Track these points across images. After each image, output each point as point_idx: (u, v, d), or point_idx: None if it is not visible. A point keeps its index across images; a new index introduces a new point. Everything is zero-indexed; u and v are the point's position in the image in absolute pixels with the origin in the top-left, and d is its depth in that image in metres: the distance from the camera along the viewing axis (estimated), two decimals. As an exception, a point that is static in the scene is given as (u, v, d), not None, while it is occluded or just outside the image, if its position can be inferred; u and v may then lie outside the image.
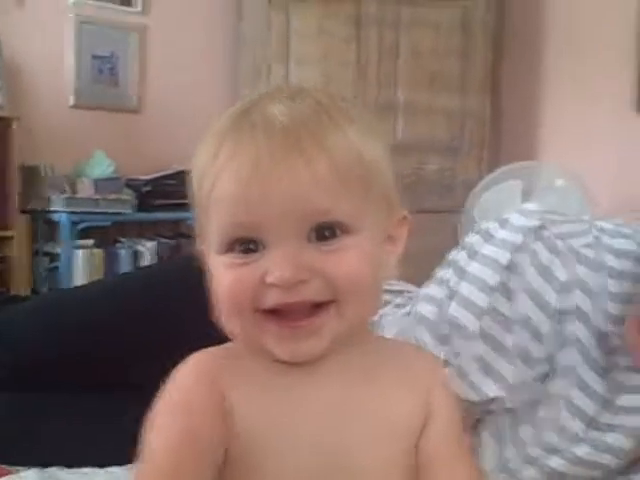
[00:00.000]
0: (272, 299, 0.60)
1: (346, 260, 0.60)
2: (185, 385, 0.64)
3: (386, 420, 0.66)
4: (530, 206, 1.02)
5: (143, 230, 3.43)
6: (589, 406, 0.92)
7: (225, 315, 0.63)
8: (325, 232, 0.60)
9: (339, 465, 0.64)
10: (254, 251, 0.60)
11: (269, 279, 0.59)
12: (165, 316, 1.35)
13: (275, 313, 0.61)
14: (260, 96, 0.65)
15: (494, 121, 3.46)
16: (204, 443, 0.61)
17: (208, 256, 0.65)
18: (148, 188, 3.25)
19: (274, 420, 0.63)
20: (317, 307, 0.61)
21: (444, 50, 3.41)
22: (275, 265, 0.59)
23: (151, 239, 3.31)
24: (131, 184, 3.26)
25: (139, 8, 3.56)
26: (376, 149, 0.64)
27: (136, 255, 3.19)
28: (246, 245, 0.61)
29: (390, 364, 0.69)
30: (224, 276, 0.61)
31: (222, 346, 0.68)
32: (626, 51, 3.28)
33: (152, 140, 3.56)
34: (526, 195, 2.82)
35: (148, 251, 3.18)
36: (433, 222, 2.93)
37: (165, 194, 3.27)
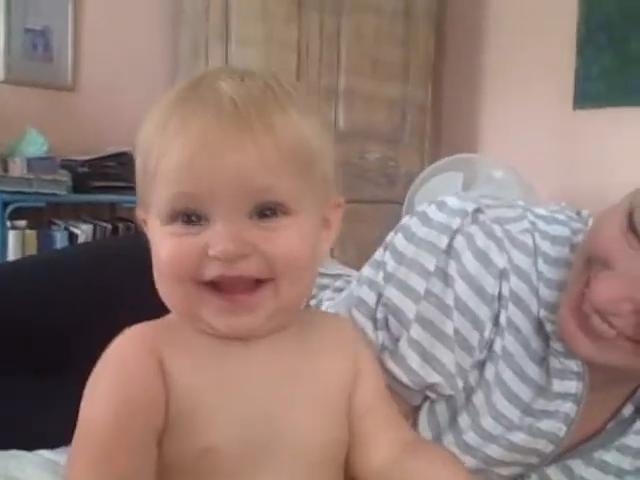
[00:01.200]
0: (213, 271, 0.62)
1: (285, 239, 0.63)
2: (123, 354, 0.65)
3: (319, 385, 0.71)
4: (469, 193, 1.02)
5: (79, 212, 3.34)
6: (525, 392, 0.94)
7: (165, 284, 0.65)
8: (266, 211, 0.63)
9: (274, 431, 0.67)
10: (197, 224, 0.62)
11: (211, 252, 0.61)
12: (105, 291, 1.31)
13: (215, 286, 0.63)
14: (209, 72, 0.67)
15: (435, 111, 3.49)
16: (143, 410, 0.63)
17: (151, 226, 0.66)
18: (85, 169, 3.15)
19: (211, 388, 0.65)
20: (255, 284, 0.64)
21: (386, 36, 3.41)
22: (218, 238, 0.61)
23: (87, 222, 3.22)
24: (67, 165, 3.16)
25: (74, -21, 3.44)
26: (319, 134, 0.67)
27: (71, 237, 3.10)
28: (189, 217, 0.62)
29: (319, 333, 0.74)
30: (166, 245, 0.63)
31: (159, 319, 0.70)
32: (566, 47, 3.36)
33: (88, 119, 3.45)
34: (466, 187, 2.86)
35: (84, 234, 3.10)
36: (375, 212, 2.95)
37: (103, 176, 3.18)
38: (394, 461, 0.72)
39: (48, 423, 1.16)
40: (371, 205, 3.05)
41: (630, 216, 0.82)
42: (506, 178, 2.89)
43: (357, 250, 2.59)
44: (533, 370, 0.93)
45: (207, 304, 0.64)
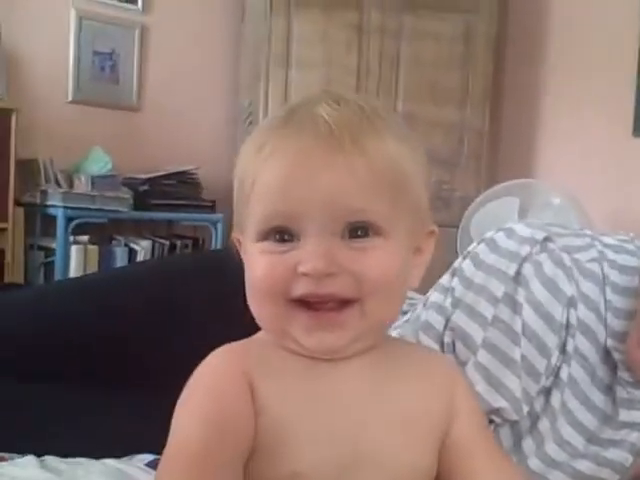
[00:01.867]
0: (302, 289, 0.62)
1: (375, 260, 0.63)
2: (215, 374, 0.66)
3: (409, 415, 0.69)
4: (537, 221, 1.02)
5: (139, 229, 3.42)
6: (590, 421, 0.93)
7: (256, 300, 0.66)
8: (358, 231, 0.63)
9: (361, 454, 0.66)
10: (289, 241, 0.63)
11: (301, 269, 0.62)
12: (174, 306, 1.34)
13: (304, 304, 0.63)
14: (308, 98, 0.68)
15: (492, 136, 3.47)
16: (234, 432, 0.63)
17: (245, 245, 0.68)
18: (145, 187, 3.24)
19: (299, 412, 0.65)
20: (342, 304, 0.63)
21: (445, 61, 3.42)
22: (309, 256, 0.62)
23: (146, 238, 3.30)
24: (128, 182, 3.25)
25: (140, 6, 3.56)
26: (412, 159, 0.67)
27: (131, 253, 3.18)
28: (282, 234, 0.63)
29: (411, 363, 0.72)
30: (258, 262, 0.64)
31: (251, 338, 0.71)
32: (627, 72, 3.31)
33: (150, 139, 3.56)
34: (523, 212, 2.84)
35: (143, 250, 3.17)
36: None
37: (162, 194, 3.27)
38: None
39: (114, 435, 1.19)
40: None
41: None
42: (563, 204, 2.85)
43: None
44: (599, 398, 0.93)
45: (296, 321, 0.64)
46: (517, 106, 3.70)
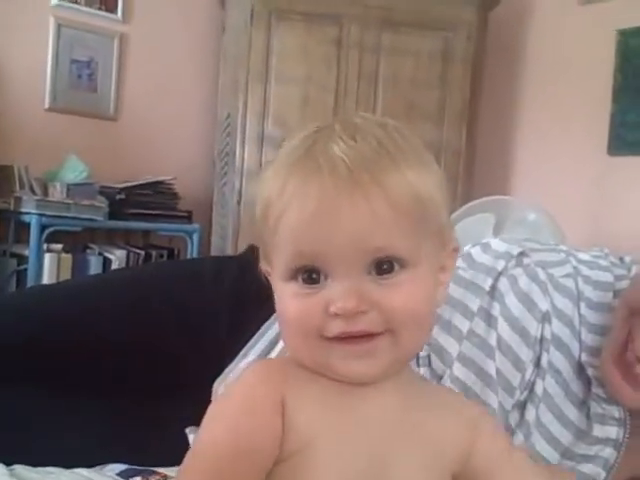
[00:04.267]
0: (335, 328, 0.64)
1: (403, 294, 0.64)
2: (250, 388, 0.67)
3: (436, 445, 0.70)
4: (514, 236, 1.03)
5: (114, 238, 3.40)
6: (565, 436, 0.93)
7: (291, 339, 0.68)
8: (384, 266, 0.64)
9: None
10: (316, 281, 0.64)
11: (332, 309, 0.63)
12: (182, 312, 1.33)
13: (338, 338, 0.65)
14: (322, 132, 0.67)
15: (469, 153, 3.49)
16: (261, 445, 0.64)
17: (274, 282, 0.69)
18: (121, 196, 3.23)
19: (327, 431, 0.66)
20: (373, 335, 0.64)
21: (423, 79, 3.44)
22: (338, 296, 0.63)
23: (121, 248, 3.28)
24: (104, 191, 3.23)
25: (120, 15, 3.55)
26: (431, 185, 0.67)
27: (105, 262, 3.15)
28: (309, 274, 0.64)
29: (441, 393, 0.74)
30: (290, 305, 0.66)
31: (283, 358, 0.73)
32: (602, 93, 3.37)
33: (128, 148, 3.55)
34: (498, 228, 2.86)
35: (118, 259, 3.15)
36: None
37: (138, 203, 3.26)
38: None
39: (85, 444, 1.18)
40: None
41: None
42: (538, 221, 2.87)
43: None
44: (573, 413, 0.93)
45: (331, 353, 0.65)
46: (494, 125, 3.74)
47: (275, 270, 0.68)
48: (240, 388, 0.68)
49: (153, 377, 1.21)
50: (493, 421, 0.79)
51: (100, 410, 1.24)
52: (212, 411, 0.67)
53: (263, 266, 0.71)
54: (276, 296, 0.69)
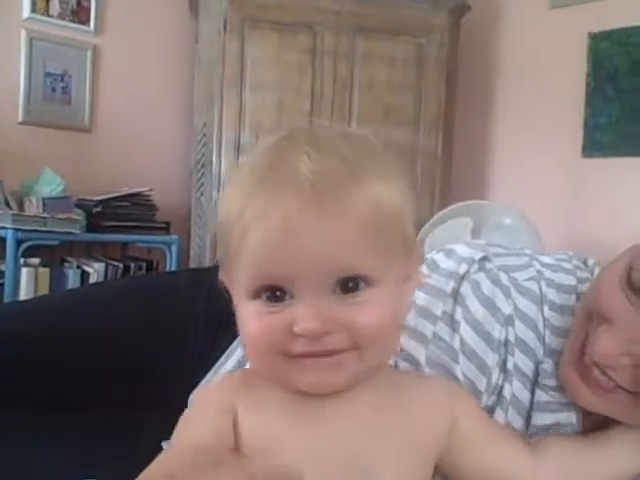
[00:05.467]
0: (299, 347, 0.63)
1: (369, 312, 0.63)
2: (205, 392, 0.70)
3: (413, 442, 0.70)
4: (478, 242, 1.03)
5: (91, 251, 3.39)
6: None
7: (254, 355, 0.67)
8: (349, 284, 0.63)
9: None
10: (280, 299, 0.63)
11: (296, 329, 0.62)
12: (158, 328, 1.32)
13: (301, 355, 0.64)
14: (284, 145, 0.66)
15: (445, 158, 3.51)
16: (206, 440, 0.64)
17: (236, 298, 0.68)
18: (98, 209, 3.21)
19: (289, 441, 0.66)
20: (338, 351, 0.64)
21: (398, 85, 3.45)
22: (302, 317, 0.62)
23: (99, 260, 3.26)
24: (81, 204, 3.21)
25: (92, 27, 3.53)
26: (397, 196, 0.66)
27: (83, 276, 3.14)
28: (272, 292, 0.63)
29: (408, 393, 0.73)
30: (253, 323, 0.65)
31: (241, 371, 0.73)
32: (575, 97, 3.42)
33: (103, 160, 3.53)
34: (475, 233, 2.87)
35: (96, 273, 3.13)
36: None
37: (115, 216, 3.24)
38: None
39: (67, 456, 1.18)
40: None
41: (629, 272, 0.83)
42: (515, 225, 2.90)
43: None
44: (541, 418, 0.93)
45: (295, 368, 0.64)
46: (469, 128, 3.77)
47: (237, 288, 0.67)
48: (198, 396, 0.70)
49: (127, 391, 1.21)
50: (467, 396, 0.81)
51: (73, 426, 1.23)
52: (176, 429, 0.68)
53: (223, 278, 0.70)
54: (238, 314, 0.68)
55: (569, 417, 0.92)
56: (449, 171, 3.55)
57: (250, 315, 0.65)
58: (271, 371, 0.67)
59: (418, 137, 3.45)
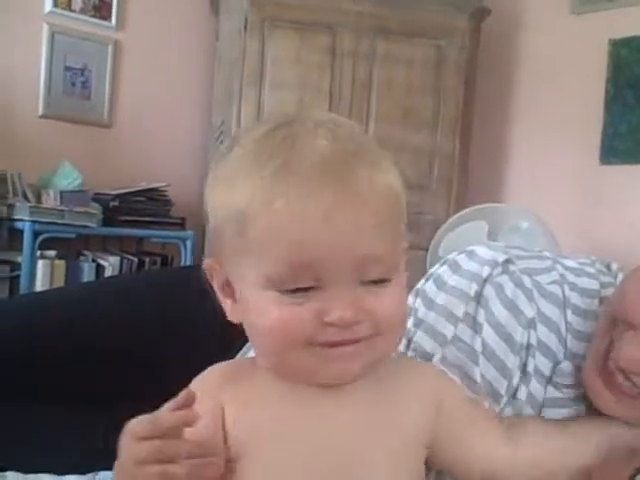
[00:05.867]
0: (329, 336, 0.63)
1: (393, 301, 0.65)
2: (193, 383, 0.69)
3: (403, 433, 0.71)
4: (498, 243, 1.03)
5: (107, 245, 3.40)
6: None
7: (272, 348, 0.65)
8: (376, 275, 0.64)
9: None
10: (306, 290, 0.62)
11: (329, 319, 0.62)
12: (143, 329, 1.32)
13: (326, 344, 0.64)
14: (293, 130, 0.65)
15: (462, 160, 3.51)
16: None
17: (244, 289, 0.66)
18: (115, 203, 3.22)
19: (274, 438, 0.66)
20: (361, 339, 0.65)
21: (417, 86, 3.45)
22: (336, 306, 0.62)
23: (115, 254, 3.27)
24: (98, 198, 3.23)
25: (114, 22, 3.55)
26: (401, 186, 0.68)
27: (98, 269, 3.15)
28: (297, 284, 0.62)
29: (400, 384, 0.73)
30: (273, 314, 0.63)
31: (238, 361, 0.73)
32: (594, 103, 3.40)
33: (122, 155, 3.54)
34: (492, 236, 2.87)
35: (111, 266, 3.15)
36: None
37: (131, 210, 3.25)
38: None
39: (77, 452, 1.19)
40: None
41: None
42: (531, 229, 2.89)
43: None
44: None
45: (317, 360, 0.64)
46: (487, 132, 3.76)
47: (249, 279, 0.65)
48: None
49: (129, 388, 1.22)
50: (451, 380, 0.82)
51: (91, 419, 1.24)
52: None
53: (216, 274, 0.69)
54: (249, 306, 0.66)
55: (578, 411, 0.92)
56: (466, 174, 3.54)
57: (269, 306, 0.63)
58: (288, 364, 0.65)
59: (436, 139, 3.45)
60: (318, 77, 3.41)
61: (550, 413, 0.92)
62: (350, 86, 3.43)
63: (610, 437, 0.84)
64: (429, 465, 0.77)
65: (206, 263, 0.70)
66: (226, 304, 0.70)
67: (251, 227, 0.62)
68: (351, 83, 3.43)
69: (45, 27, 3.36)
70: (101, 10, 3.53)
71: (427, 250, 2.88)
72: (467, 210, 2.99)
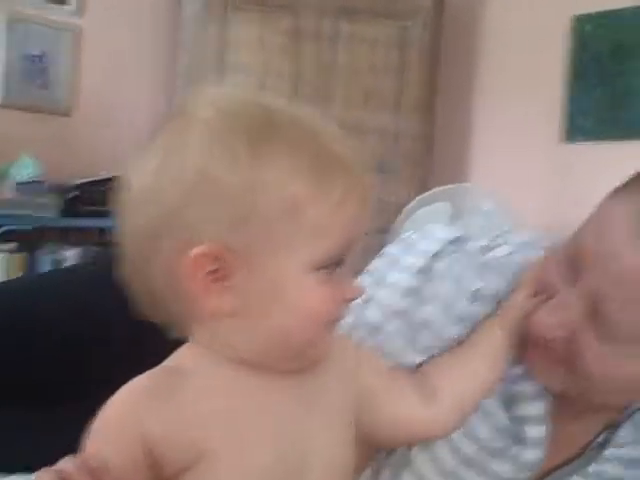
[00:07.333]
0: (343, 312, 0.69)
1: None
2: (109, 416, 0.64)
3: (336, 409, 0.73)
4: (456, 224, 1.03)
5: (68, 236, 3.36)
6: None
7: (307, 329, 0.66)
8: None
9: (295, 459, 0.68)
10: (333, 269, 0.66)
11: (351, 295, 0.68)
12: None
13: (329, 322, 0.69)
14: (319, 128, 0.69)
15: (426, 141, 3.49)
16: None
17: (281, 271, 0.65)
18: (75, 193, 3.18)
19: (221, 434, 0.65)
20: None
21: (380, 67, 3.43)
22: (350, 282, 0.68)
23: (75, 245, 3.24)
24: (57, 188, 3.18)
25: (73, 7, 3.49)
26: None
27: (59, 261, 3.12)
28: (335, 262, 0.66)
29: (324, 365, 0.73)
30: (316, 293, 0.65)
31: (168, 367, 0.68)
32: (557, 81, 3.40)
33: (83, 144, 3.49)
34: (455, 217, 2.86)
35: (72, 258, 3.12)
36: (363, 241, 2.94)
37: (92, 200, 3.20)
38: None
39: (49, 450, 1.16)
40: (360, 234, 3.04)
41: (566, 248, 0.84)
42: (494, 209, 2.88)
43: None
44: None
45: (328, 336, 0.68)
46: (451, 112, 3.74)
47: (290, 262, 0.64)
48: (102, 428, 0.65)
49: (67, 384, 1.20)
50: (368, 350, 0.85)
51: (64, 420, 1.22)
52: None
53: (208, 263, 0.64)
54: (282, 289, 0.65)
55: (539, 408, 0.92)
56: (431, 154, 3.53)
57: (312, 287, 0.65)
58: (312, 343, 0.67)
59: (399, 120, 3.43)
60: (281, 60, 3.39)
61: None
62: (314, 68, 3.41)
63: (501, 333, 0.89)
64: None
65: (202, 250, 0.64)
66: (210, 295, 0.65)
67: (308, 213, 0.63)
68: (315, 65, 3.41)
69: (1, 14, 3.30)
70: (60, -5, 3.47)
71: (389, 233, 2.86)
72: (430, 192, 2.99)
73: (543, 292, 0.87)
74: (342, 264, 0.66)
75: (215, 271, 0.64)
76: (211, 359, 0.67)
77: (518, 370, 0.91)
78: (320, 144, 0.66)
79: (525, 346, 0.88)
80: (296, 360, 0.68)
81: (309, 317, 0.65)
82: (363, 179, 0.67)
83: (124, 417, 0.64)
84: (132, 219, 0.68)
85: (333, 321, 0.68)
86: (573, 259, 0.83)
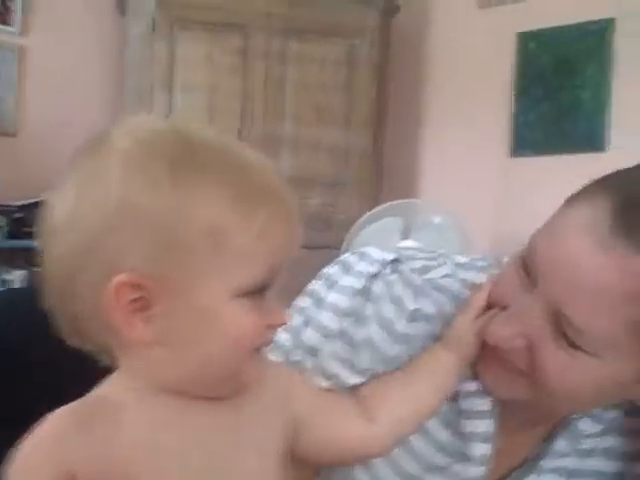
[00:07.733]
0: (269, 338, 0.68)
1: None
2: (29, 456, 0.61)
3: (263, 441, 0.71)
4: (407, 243, 1.02)
5: (14, 258, 3.29)
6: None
7: (233, 357, 0.65)
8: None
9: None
10: (261, 295, 0.65)
11: (278, 321, 0.67)
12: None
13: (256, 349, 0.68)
14: (237, 155, 0.67)
15: (376, 157, 3.51)
16: None
17: (204, 299, 0.64)
18: (20, 214, 3.13)
19: (159, 455, 0.64)
20: None
21: (330, 85, 3.45)
22: (277, 308, 0.67)
23: (21, 268, 3.17)
24: (3, 210, 3.12)
25: (17, 28, 3.44)
26: None
27: (4, 284, 3.05)
28: (261, 288, 0.65)
29: (255, 393, 0.72)
30: (245, 321, 0.64)
31: (92, 399, 0.66)
32: (503, 96, 3.46)
33: (28, 165, 3.43)
34: (405, 232, 2.87)
35: (18, 280, 3.05)
36: (312, 257, 2.93)
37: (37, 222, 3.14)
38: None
39: None
40: (309, 250, 3.02)
41: (523, 256, 0.83)
42: (444, 224, 2.90)
43: (294, 294, 2.56)
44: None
45: (253, 363, 0.67)
46: (400, 128, 3.78)
47: (213, 290, 0.63)
48: (19, 462, 0.61)
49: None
50: (300, 377, 0.85)
51: None
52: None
53: (130, 292, 0.63)
54: (208, 316, 0.64)
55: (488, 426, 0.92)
56: (380, 171, 3.55)
57: (241, 314, 0.64)
58: (237, 370, 0.66)
59: (349, 137, 3.45)
60: (230, 79, 3.38)
61: None
62: (263, 86, 3.41)
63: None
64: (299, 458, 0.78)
65: (123, 278, 0.62)
66: (133, 324, 0.63)
67: (226, 238, 0.62)
68: (264, 84, 3.41)
69: (-57, 34, 3.25)
70: (3, 16, 3.43)
71: (339, 249, 2.86)
72: (380, 207, 3.00)
73: (494, 306, 0.86)
74: (268, 289, 0.65)
75: (137, 300, 0.62)
76: (137, 389, 0.65)
77: (471, 387, 0.91)
78: (243, 172, 0.64)
79: (481, 362, 0.88)
80: (223, 387, 0.67)
81: (233, 344, 0.64)
82: (288, 206, 0.66)
83: (46, 455, 0.61)
84: (54, 248, 0.66)
85: (258, 347, 0.67)
86: (529, 268, 0.82)
